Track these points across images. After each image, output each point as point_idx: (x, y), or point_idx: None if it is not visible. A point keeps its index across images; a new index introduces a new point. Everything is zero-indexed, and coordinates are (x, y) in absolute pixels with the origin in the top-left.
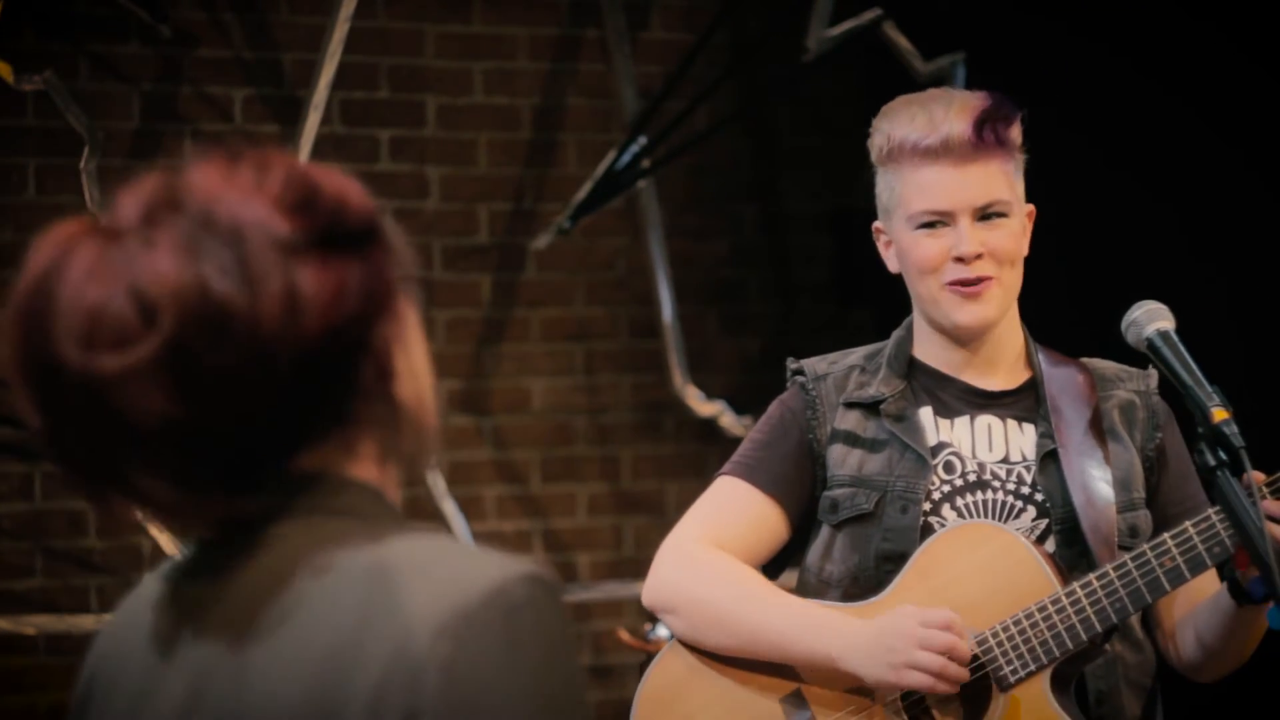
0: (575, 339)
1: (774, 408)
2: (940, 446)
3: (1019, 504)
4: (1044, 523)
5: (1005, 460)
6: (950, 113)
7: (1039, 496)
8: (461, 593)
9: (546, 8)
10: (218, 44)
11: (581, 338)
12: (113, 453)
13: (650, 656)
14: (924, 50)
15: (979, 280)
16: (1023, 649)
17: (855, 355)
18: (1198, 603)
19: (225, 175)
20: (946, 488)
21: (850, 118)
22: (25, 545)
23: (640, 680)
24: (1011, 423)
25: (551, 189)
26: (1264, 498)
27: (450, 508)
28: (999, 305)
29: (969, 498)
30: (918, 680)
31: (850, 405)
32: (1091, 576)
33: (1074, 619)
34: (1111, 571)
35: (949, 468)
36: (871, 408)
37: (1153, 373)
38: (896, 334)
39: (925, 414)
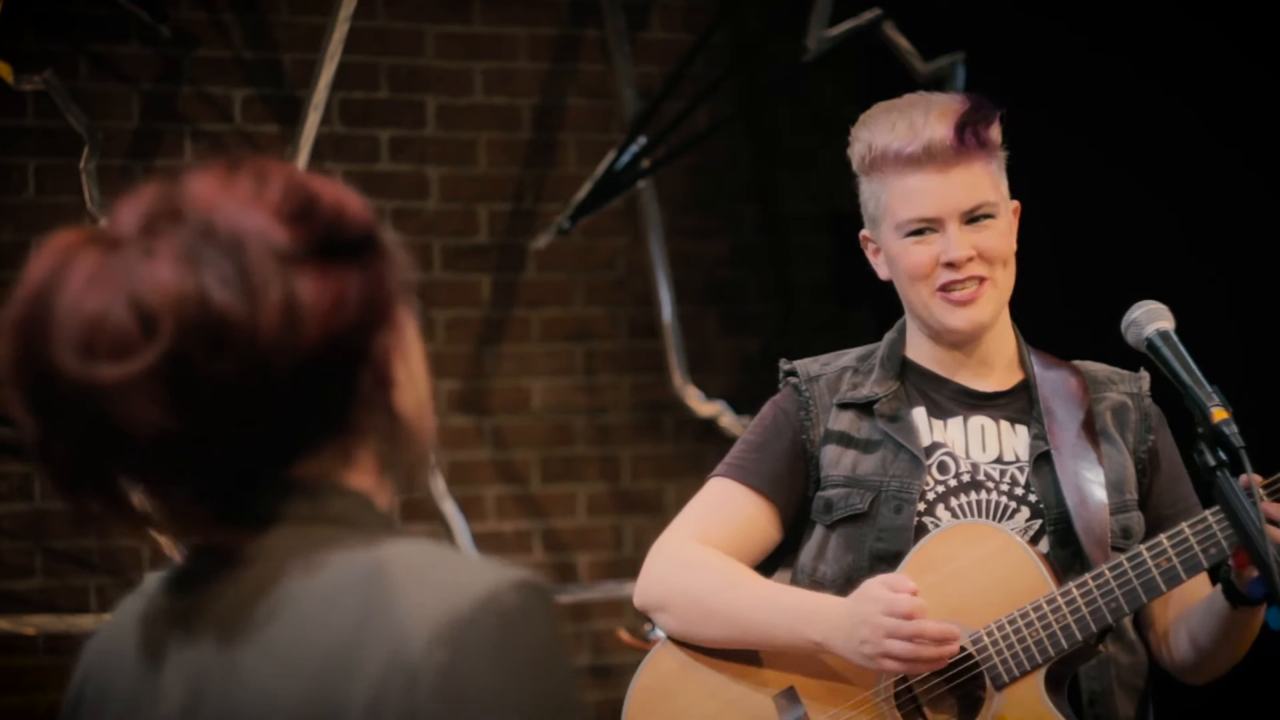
0: (575, 339)
1: (767, 409)
2: (934, 447)
3: (1013, 505)
4: (1037, 524)
5: (999, 461)
6: (930, 118)
7: (1032, 497)
8: (456, 599)
9: (546, 8)
10: (218, 44)
11: (581, 338)
12: (103, 460)
13: None
14: (924, 50)
15: (971, 284)
16: (1017, 648)
17: (848, 356)
18: (1191, 604)
19: (224, 185)
20: (941, 488)
21: (850, 118)
22: (25, 545)
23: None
24: (1004, 424)
25: (551, 189)
26: (1263, 500)
27: (450, 508)
28: (992, 307)
29: (963, 498)
30: (896, 667)
31: (844, 406)
32: (1087, 577)
33: (1069, 619)
34: (1107, 572)
35: (943, 468)
36: (865, 408)
37: (1145, 375)
38: (889, 335)
39: (919, 414)
